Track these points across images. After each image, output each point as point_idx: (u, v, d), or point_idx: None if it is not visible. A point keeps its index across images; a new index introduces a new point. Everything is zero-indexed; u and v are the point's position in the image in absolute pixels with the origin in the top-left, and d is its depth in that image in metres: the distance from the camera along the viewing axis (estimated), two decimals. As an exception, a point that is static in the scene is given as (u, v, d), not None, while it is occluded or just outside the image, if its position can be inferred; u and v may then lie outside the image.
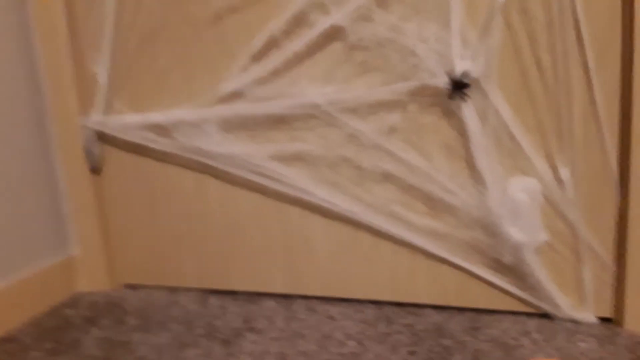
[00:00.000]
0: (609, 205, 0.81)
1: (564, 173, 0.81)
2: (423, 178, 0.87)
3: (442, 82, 0.81)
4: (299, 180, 0.93)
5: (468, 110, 0.82)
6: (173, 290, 1.08)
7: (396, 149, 0.88)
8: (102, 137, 1.05)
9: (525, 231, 0.82)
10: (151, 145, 0.99)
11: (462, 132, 0.85)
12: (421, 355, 0.79)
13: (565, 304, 0.84)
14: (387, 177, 0.90)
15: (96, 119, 1.02)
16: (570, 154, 0.81)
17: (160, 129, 0.99)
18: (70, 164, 1.07)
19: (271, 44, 0.91)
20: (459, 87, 0.81)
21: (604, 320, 0.85)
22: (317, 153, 0.92)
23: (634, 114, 0.76)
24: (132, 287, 1.12)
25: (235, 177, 0.98)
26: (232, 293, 1.05)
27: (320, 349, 0.82)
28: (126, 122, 1.00)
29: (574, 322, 0.85)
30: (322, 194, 0.93)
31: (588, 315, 0.84)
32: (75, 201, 1.09)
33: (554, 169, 0.82)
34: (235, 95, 0.94)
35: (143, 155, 1.04)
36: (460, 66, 0.79)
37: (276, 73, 0.91)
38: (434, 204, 0.89)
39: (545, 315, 0.87)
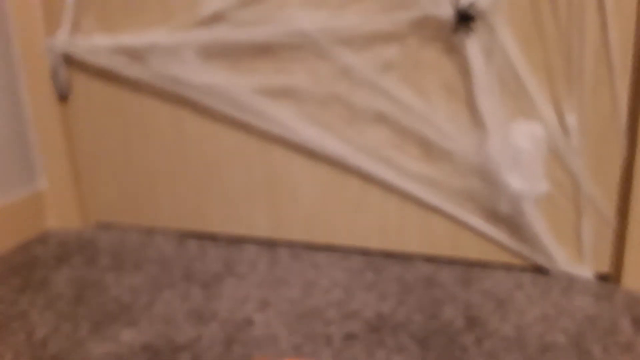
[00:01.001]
0: (615, 156, 0.76)
1: (571, 120, 0.75)
2: (419, 120, 0.81)
3: (446, 13, 0.74)
4: (285, 118, 0.87)
5: (472, 47, 0.75)
6: (149, 230, 1.03)
7: (392, 87, 0.81)
8: (70, 61, 0.97)
9: (525, 180, 0.76)
10: (123, 71, 0.91)
11: (464, 70, 0.78)
12: (411, 305, 0.75)
13: (561, 258, 0.80)
14: (381, 118, 0.83)
15: (63, 40, 0.93)
16: (578, 99, 0.74)
17: (133, 53, 0.90)
18: (35, 89, 0.99)
19: (259, -36, 0.82)
20: (464, 19, 0.73)
21: (601, 276, 0.81)
22: (305, 88, 0.85)
23: (652, 57, 0.70)
24: (105, 225, 1.07)
25: (215, 111, 0.91)
26: (211, 237, 1.01)
27: (305, 296, 0.78)
28: (95, 43, 0.91)
29: (570, 277, 0.81)
30: (309, 134, 0.87)
31: (585, 271, 0.80)
32: (41, 131, 1.02)
33: (560, 115, 0.76)
34: (216, 18, 0.85)
35: (115, 84, 0.96)
36: (468, -5, 0.72)
37: (262, -5, 0.83)
38: (429, 149, 0.83)
39: (540, 270, 0.83)
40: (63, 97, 1.00)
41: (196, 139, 0.95)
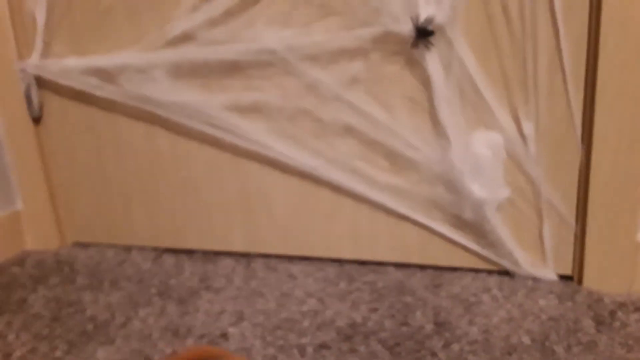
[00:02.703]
0: (571, 161, 0.79)
1: (528, 127, 0.78)
2: (385, 132, 0.84)
3: (406, 28, 0.77)
4: (256, 133, 0.89)
5: (432, 60, 0.78)
6: (125, 248, 1.04)
7: (358, 101, 0.83)
8: (42, 83, 0.98)
9: (486, 187, 0.79)
10: (95, 92, 0.93)
11: (425, 83, 0.81)
12: (382, 312, 0.77)
13: (525, 261, 0.83)
14: (348, 131, 0.86)
15: (34, 63, 0.95)
16: (534, 107, 0.78)
17: (104, 74, 0.92)
18: (9, 112, 1.00)
19: (224, -15, 0.84)
20: (423, 34, 0.76)
21: (564, 277, 0.84)
22: (274, 104, 0.87)
23: (599, 66, 0.73)
24: (82, 245, 1.08)
25: (188, 129, 0.92)
26: (188, 251, 1.02)
27: (280, 308, 0.80)
28: (67, 65, 0.92)
29: (534, 279, 0.84)
30: (280, 148, 0.89)
31: (548, 273, 0.83)
32: (16, 152, 1.02)
33: (518, 123, 0.79)
34: (185, 38, 0.87)
35: (87, 104, 0.98)
36: (425, 11, 0.74)
37: (229, 13, 0.85)
38: (396, 160, 0.85)
39: (505, 273, 0.86)
40: (36, 119, 1.01)
41: (170, 156, 0.97)
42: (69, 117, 1.00)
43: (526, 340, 0.69)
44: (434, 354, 0.67)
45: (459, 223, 0.85)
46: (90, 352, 0.71)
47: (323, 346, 0.70)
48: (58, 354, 0.71)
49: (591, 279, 0.80)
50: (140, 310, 0.81)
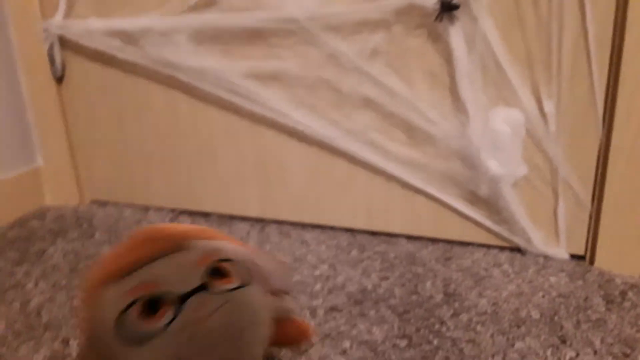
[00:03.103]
0: (591, 142, 0.79)
1: (549, 106, 0.78)
2: (404, 105, 0.84)
3: (431, 1, 0.76)
4: (275, 102, 0.89)
5: (455, 35, 0.78)
6: (143, 208, 1.06)
7: (378, 73, 0.84)
8: (65, 44, 0.99)
9: (504, 164, 0.79)
10: (117, 54, 0.94)
11: (447, 58, 0.81)
12: (392, 281, 0.78)
13: (538, 239, 0.84)
14: (367, 103, 0.86)
15: (58, 23, 0.96)
16: (556, 86, 0.77)
17: (127, 37, 0.93)
18: (32, 71, 1.02)
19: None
20: (447, 8, 0.76)
21: (576, 257, 0.84)
22: (294, 73, 0.87)
23: (625, 47, 0.73)
24: (100, 203, 1.10)
25: (208, 94, 0.93)
26: (203, 214, 1.04)
27: (292, 271, 0.81)
28: (90, 26, 0.93)
29: (546, 257, 0.84)
30: (298, 117, 0.90)
31: (560, 252, 0.84)
32: (38, 111, 1.04)
33: (539, 102, 0.79)
34: (208, 4, 0.88)
35: (109, 65, 0.99)
36: (451, -17, 0.74)
37: (254, -20, 0.85)
38: (413, 133, 0.86)
39: (517, 250, 0.87)
40: (59, 78, 1.02)
41: (189, 120, 0.98)
42: (90, 78, 1.01)
43: (535, 314, 0.70)
44: (442, 322, 0.68)
45: (474, 198, 0.86)
46: (107, 303, 0.73)
47: (334, 309, 0.72)
48: (76, 303, 0.73)
49: (603, 260, 0.81)
50: (155, 267, 0.83)
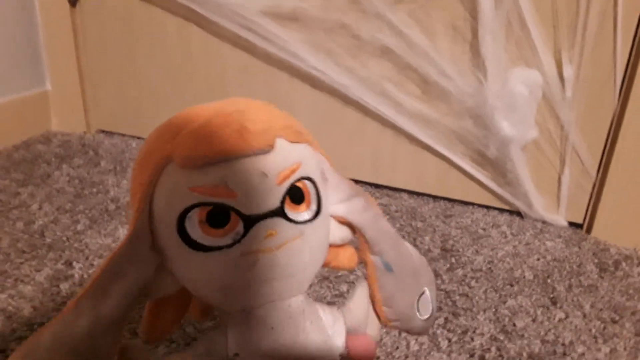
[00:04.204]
0: (605, 111, 0.79)
1: (568, 71, 0.77)
2: (422, 58, 0.83)
3: (462, -49, 0.74)
4: (292, 43, 0.88)
5: (483, -11, 0.76)
6: (149, 142, 1.06)
7: (399, 22, 0.82)
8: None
9: (516, 126, 0.79)
10: (135, -21, 0.91)
11: (472, 12, 0.79)
12: (389, 234, 0.79)
13: (538, 204, 0.85)
14: (385, 52, 0.85)
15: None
16: (578, 52, 0.76)
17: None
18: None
19: None
20: (478, -40, 0.74)
21: (574, 225, 0.86)
22: (314, 14, 0.85)
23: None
24: (106, 133, 1.10)
25: (223, 29, 0.91)
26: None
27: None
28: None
29: (544, 222, 0.85)
30: (314, 62, 0.88)
31: (559, 219, 0.85)
32: (49, 33, 1.02)
33: (559, 66, 0.77)
34: None
35: (125, -9, 0.97)
36: None
37: None
38: (428, 88, 0.85)
39: (517, 213, 0.88)
40: (72, 1, 0.99)
41: (202, 56, 0.97)
42: (105, 4, 0.99)
43: (529, 275, 0.71)
44: (438, 275, 0.70)
45: (480, 159, 0.86)
46: (111, 229, 0.74)
47: (333, 254, 0.73)
48: (79, 227, 0.74)
49: (600, 230, 0.82)
50: (160, 199, 0.84)
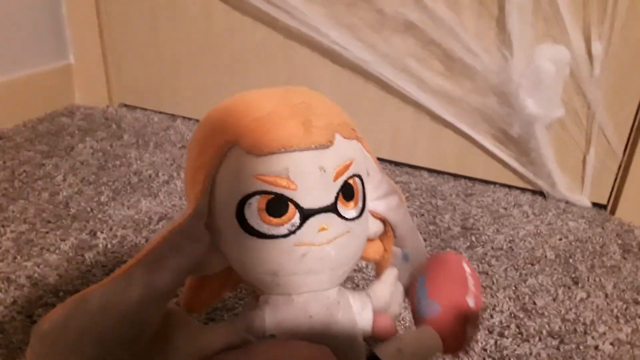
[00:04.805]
0: (633, 90, 0.77)
1: (597, 48, 0.75)
2: (446, 33, 0.81)
3: None
4: (313, 17, 0.87)
5: (511, -38, 0.74)
6: (170, 116, 1.07)
7: (424, -4, 0.81)
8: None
9: (541, 104, 0.78)
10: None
11: (499, -14, 0.77)
12: (412, 210, 0.79)
13: (562, 184, 0.83)
14: (409, 28, 0.84)
15: None
16: (608, 28, 0.74)
17: None
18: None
19: None
20: None
21: (598, 206, 0.84)
22: (337, -12, 0.84)
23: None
24: (129, 107, 1.11)
25: (244, 3, 0.91)
26: (229, 128, 1.04)
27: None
28: None
29: (567, 202, 0.84)
30: (335, 37, 0.87)
31: (582, 199, 0.83)
32: (73, 7, 1.03)
33: (588, 42, 0.75)
34: None
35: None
36: None
37: None
38: (452, 64, 0.83)
39: (539, 193, 0.87)
40: (95, -27, 1.00)
41: (224, 30, 0.96)
42: (127, -24, 0.99)
43: (550, 255, 0.70)
44: (458, 253, 0.69)
45: (503, 138, 0.85)
46: (134, 201, 0.75)
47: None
48: (103, 198, 0.75)
49: (625, 211, 0.80)
50: (182, 173, 0.84)
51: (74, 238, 0.66)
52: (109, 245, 0.65)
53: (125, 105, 1.11)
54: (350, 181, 0.33)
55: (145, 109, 1.09)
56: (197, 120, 1.05)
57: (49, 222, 0.69)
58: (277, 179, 0.30)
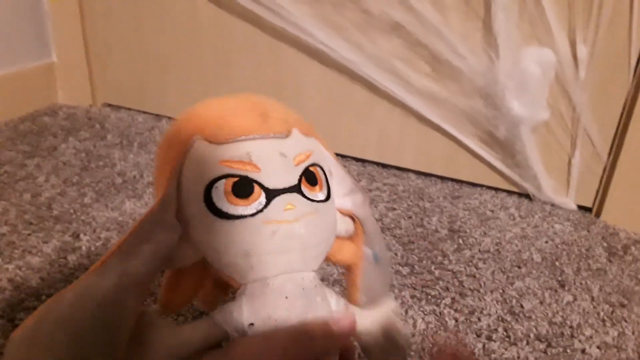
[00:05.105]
0: (618, 93, 0.77)
1: (582, 51, 0.75)
2: (433, 35, 0.81)
3: None
4: (300, 17, 0.86)
5: (498, -35, 0.74)
6: (155, 117, 1.05)
7: (411, -3, 0.80)
8: None
9: (527, 106, 0.78)
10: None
11: (486, -11, 0.77)
12: (399, 212, 0.79)
13: (547, 187, 0.84)
14: (395, 29, 0.83)
15: None
16: (593, 31, 0.74)
17: None
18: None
19: None
20: None
21: (583, 209, 0.85)
22: (325, -12, 0.84)
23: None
24: (113, 107, 1.09)
25: (230, 2, 0.90)
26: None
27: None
28: None
29: (553, 205, 0.85)
30: (322, 37, 0.87)
31: (568, 202, 0.84)
32: (56, 5, 1.01)
33: (573, 45, 0.76)
34: None
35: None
36: None
37: None
38: (438, 66, 0.83)
39: (525, 196, 0.87)
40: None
41: (209, 29, 0.95)
42: (111, -26, 0.98)
43: (537, 257, 0.71)
44: (445, 255, 0.69)
45: (489, 140, 0.85)
46: (118, 202, 0.74)
47: (340, 232, 0.72)
48: (86, 200, 0.74)
49: (610, 214, 0.81)
50: (166, 174, 0.83)
51: (57, 240, 0.65)
52: (92, 248, 0.64)
53: (109, 105, 1.09)
54: (312, 169, 0.35)
55: (130, 109, 1.07)
56: (183, 121, 1.04)
57: (30, 223, 0.68)
58: (241, 163, 0.32)
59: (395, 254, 0.69)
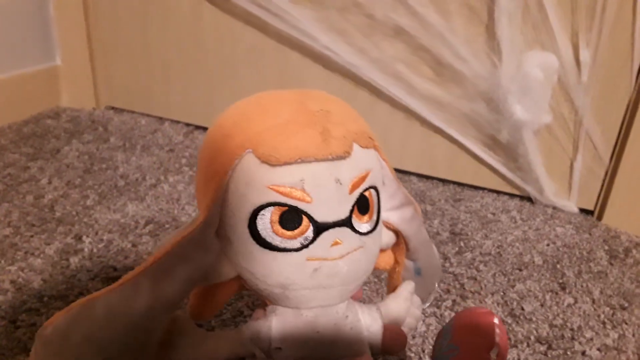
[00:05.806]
0: (621, 97, 0.77)
1: (585, 55, 0.76)
2: (436, 39, 0.81)
3: None
4: (304, 22, 0.87)
5: (500, -31, 0.74)
6: (158, 119, 1.06)
7: (414, 1, 0.80)
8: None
9: (529, 110, 0.78)
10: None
11: (488, -7, 0.78)
12: (398, 216, 0.79)
13: (549, 190, 0.84)
14: (398, 33, 0.84)
15: None
16: (596, 35, 0.75)
17: None
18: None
19: None
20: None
21: (585, 212, 0.85)
22: (327, -8, 0.84)
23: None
24: (116, 110, 1.09)
25: (235, 6, 0.90)
26: (218, 132, 1.03)
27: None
28: None
29: (555, 208, 0.85)
30: (326, 41, 0.87)
31: (570, 205, 0.84)
32: (60, 6, 1.01)
33: (576, 49, 0.76)
34: None
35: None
36: None
37: None
38: (441, 70, 0.84)
39: (527, 199, 0.87)
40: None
41: (214, 33, 0.96)
42: (115, -23, 0.98)
43: (538, 260, 0.71)
44: (446, 258, 0.69)
45: (492, 143, 0.85)
46: (120, 205, 0.74)
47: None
48: (89, 202, 0.74)
49: (612, 217, 0.81)
50: (170, 176, 0.84)
51: (59, 242, 0.65)
52: (94, 250, 0.64)
53: (112, 108, 1.10)
54: (366, 193, 0.32)
55: (133, 112, 1.08)
56: (186, 124, 1.05)
57: (33, 225, 0.68)
58: (292, 190, 0.29)
59: (397, 257, 0.69)
